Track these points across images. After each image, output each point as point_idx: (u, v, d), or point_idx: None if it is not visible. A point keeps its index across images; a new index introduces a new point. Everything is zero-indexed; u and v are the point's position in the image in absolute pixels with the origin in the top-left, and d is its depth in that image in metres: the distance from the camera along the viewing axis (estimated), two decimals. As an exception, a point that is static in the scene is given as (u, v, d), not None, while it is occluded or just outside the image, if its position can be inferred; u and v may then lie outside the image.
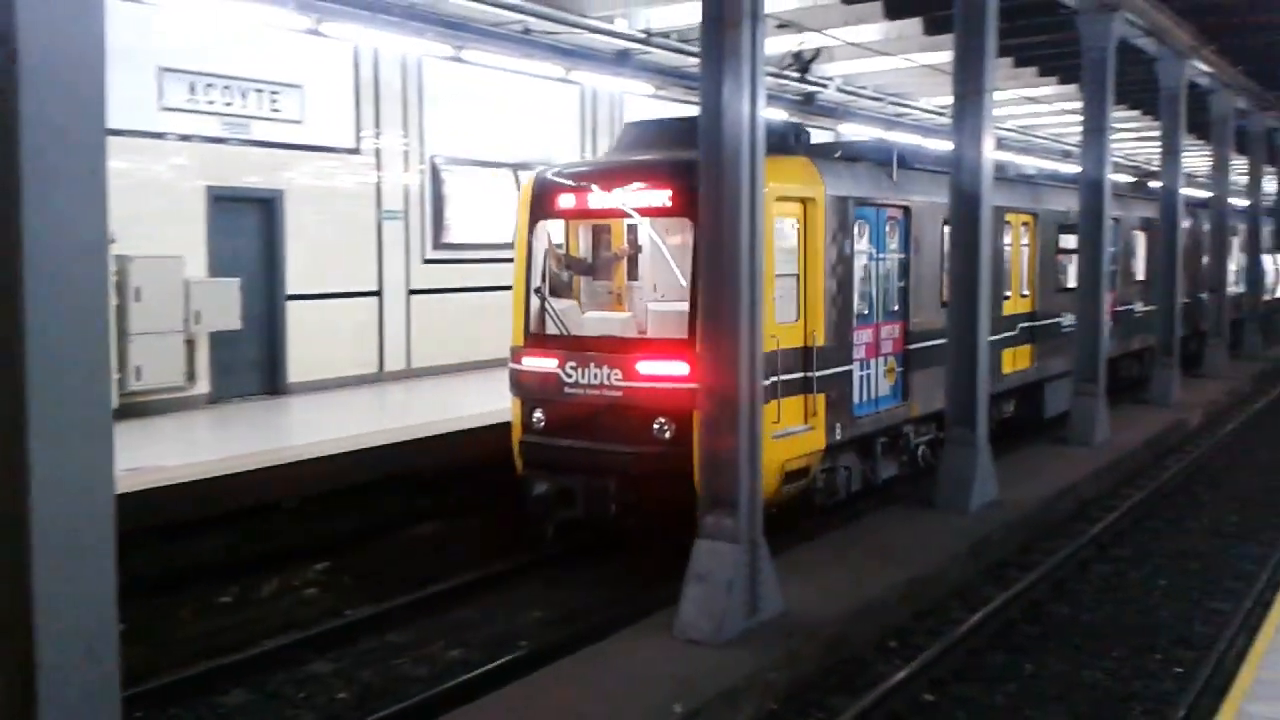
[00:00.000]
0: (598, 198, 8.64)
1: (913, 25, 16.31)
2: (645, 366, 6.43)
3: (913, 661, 6.56)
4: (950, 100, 9.68)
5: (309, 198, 12.96)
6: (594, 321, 8.97)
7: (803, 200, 8.62)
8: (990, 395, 10.47)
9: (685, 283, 8.38)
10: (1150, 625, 7.57)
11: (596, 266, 9.75)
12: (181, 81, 11.59)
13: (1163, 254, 15.87)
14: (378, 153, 13.94)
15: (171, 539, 8.55)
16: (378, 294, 14.06)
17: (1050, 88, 21.83)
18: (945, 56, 14.22)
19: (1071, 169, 19.74)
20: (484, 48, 14.18)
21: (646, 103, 18.00)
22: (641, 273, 9.67)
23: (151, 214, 11.00)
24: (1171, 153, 15.65)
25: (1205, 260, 20.01)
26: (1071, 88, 20.90)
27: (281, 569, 8.83)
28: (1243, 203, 24.74)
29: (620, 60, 16.38)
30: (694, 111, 6.70)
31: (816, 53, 15.65)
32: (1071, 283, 13.22)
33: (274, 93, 12.49)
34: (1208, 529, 10.00)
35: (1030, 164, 21.94)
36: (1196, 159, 31.60)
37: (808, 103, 21.37)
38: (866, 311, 9.43)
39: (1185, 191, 18.05)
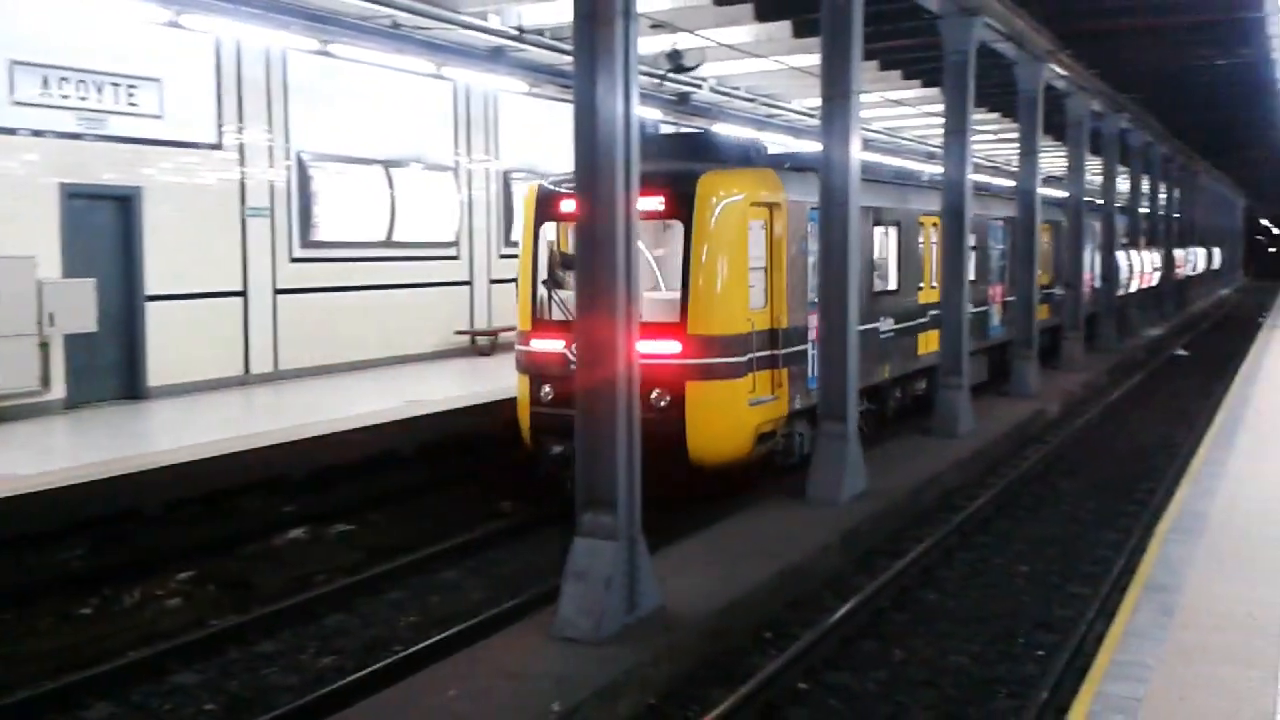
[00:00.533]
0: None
1: (782, 28, 16.59)
2: (643, 346, 6.81)
3: (787, 651, 6.67)
4: (819, 102, 9.85)
5: (169, 195, 12.53)
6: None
7: (769, 205, 10.00)
8: (910, 373, 13.21)
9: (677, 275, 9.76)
10: (1013, 610, 7.84)
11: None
12: (34, 75, 11.11)
13: (1021, 250, 16.47)
14: (241, 148, 13.55)
15: (27, 549, 8.20)
16: (242, 294, 13.67)
17: (914, 90, 22.47)
18: (814, 59, 14.50)
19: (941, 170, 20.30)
20: (352, 42, 13.93)
21: (521, 100, 17.93)
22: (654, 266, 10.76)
23: (1, 213, 10.52)
24: (1029, 154, 16.23)
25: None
26: (934, 90, 21.56)
27: (144, 578, 8.51)
28: (1098, 201, 25.87)
29: (494, 57, 16.28)
30: (683, 129, 7.08)
31: (680, 53, 15.79)
32: (972, 275, 14.43)
33: (131, 86, 12.05)
34: (1066, 516, 10.41)
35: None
36: (1056, 159, 32.88)
37: (682, 102, 21.57)
38: (815, 299, 10.41)
39: (1047, 192, 18.87)
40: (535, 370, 10.05)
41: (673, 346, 9.25)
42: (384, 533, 10.12)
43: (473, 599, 8.39)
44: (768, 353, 9.85)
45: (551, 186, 10.30)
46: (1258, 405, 12.44)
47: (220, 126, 13.27)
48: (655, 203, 9.30)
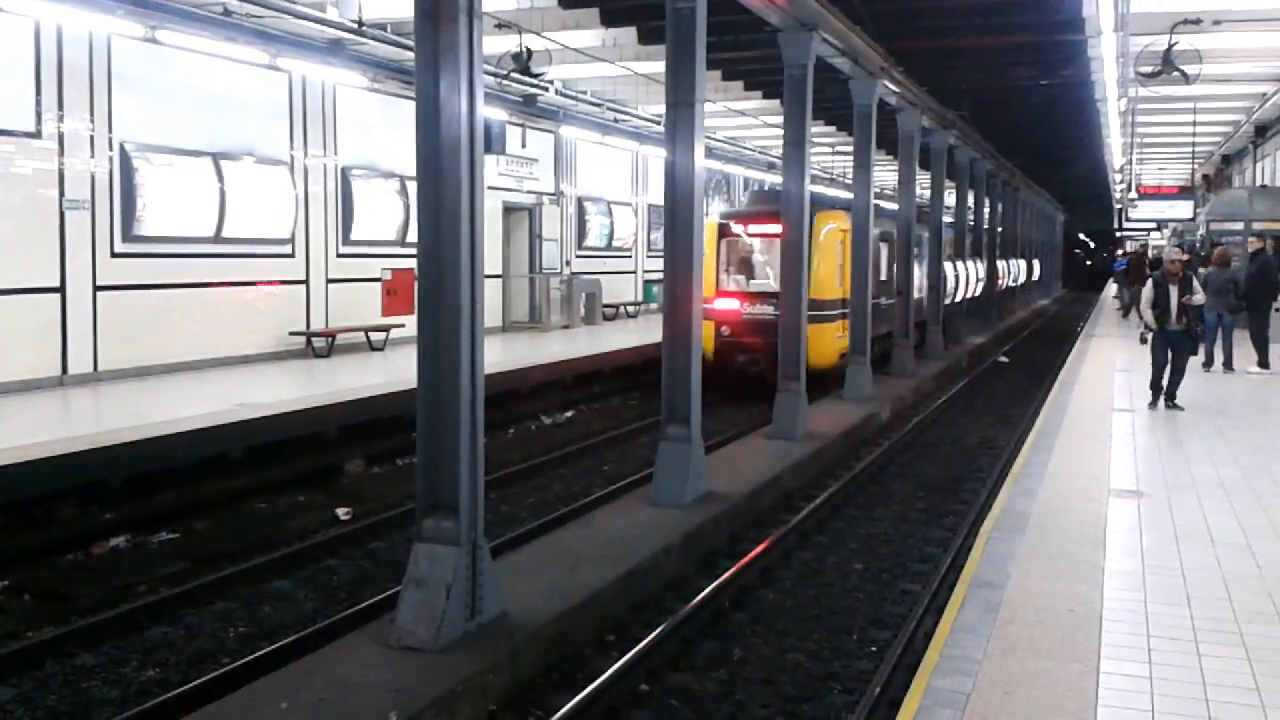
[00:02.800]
0: (744, 228, 17.85)
1: (628, 34, 16.72)
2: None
3: (628, 654, 6.68)
4: (664, 109, 9.92)
5: (-21, 183, 11.78)
6: (754, 285, 17.78)
7: (844, 230, 17.25)
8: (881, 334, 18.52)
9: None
10: (847, 608, 8.05)
11: (748, 261, 18.22)
12: None
13: (855, 260, 16.97)
14: (60, 137, 12.83)
15: None
16: (60, 290, 12.94)
17: (755, 101, 22.95)
18: (659, 66, 14.63)
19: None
20: (181, 29, 13.35)
21: (362, 95, 17.53)
22: (769, 264, 17.60)
23: None
24: (863, 166, 16.72)
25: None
26: (774, 102, 22.07)
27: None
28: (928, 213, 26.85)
29: (333, 50, 15.87)
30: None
31: (530, 52, 15.73)
32: (883, 276, 19.46)
33: (-64, 66, 11.28)
34: (897, 515, 10.75)
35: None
36: (891, 172, 34.02)
37: (528, 104, 21.49)
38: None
39: (881, 204, 19.52)
40: (719, 318, 16.90)
41: None
42: (212, 541, 9.73)
43: (306, 609, 8.14)
44: (841, 311, 17.00)
45: (722, 219, 17.80)
46: (1074, 410, 13.12)
47: (39, 114, 12.54)
48: (774, 228, 15.01)
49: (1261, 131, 27.05)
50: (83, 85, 13.14)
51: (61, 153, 12.86)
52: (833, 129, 27.54)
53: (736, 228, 17.65)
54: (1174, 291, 12.84)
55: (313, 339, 16.64)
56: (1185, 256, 13.68)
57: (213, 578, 8.52)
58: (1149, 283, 13.36)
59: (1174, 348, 12.90)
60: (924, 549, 9.59)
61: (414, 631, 6.13)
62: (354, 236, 17.80)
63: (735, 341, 16.88)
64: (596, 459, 13.48)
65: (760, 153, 33.12)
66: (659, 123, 23.24)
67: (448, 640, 6.12)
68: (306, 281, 16.91)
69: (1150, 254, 31.74)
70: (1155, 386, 13.14)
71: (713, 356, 15.50)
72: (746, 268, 18.09)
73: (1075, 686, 4.98)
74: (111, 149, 13.54)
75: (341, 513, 10.66)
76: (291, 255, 16.59)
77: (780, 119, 14.11)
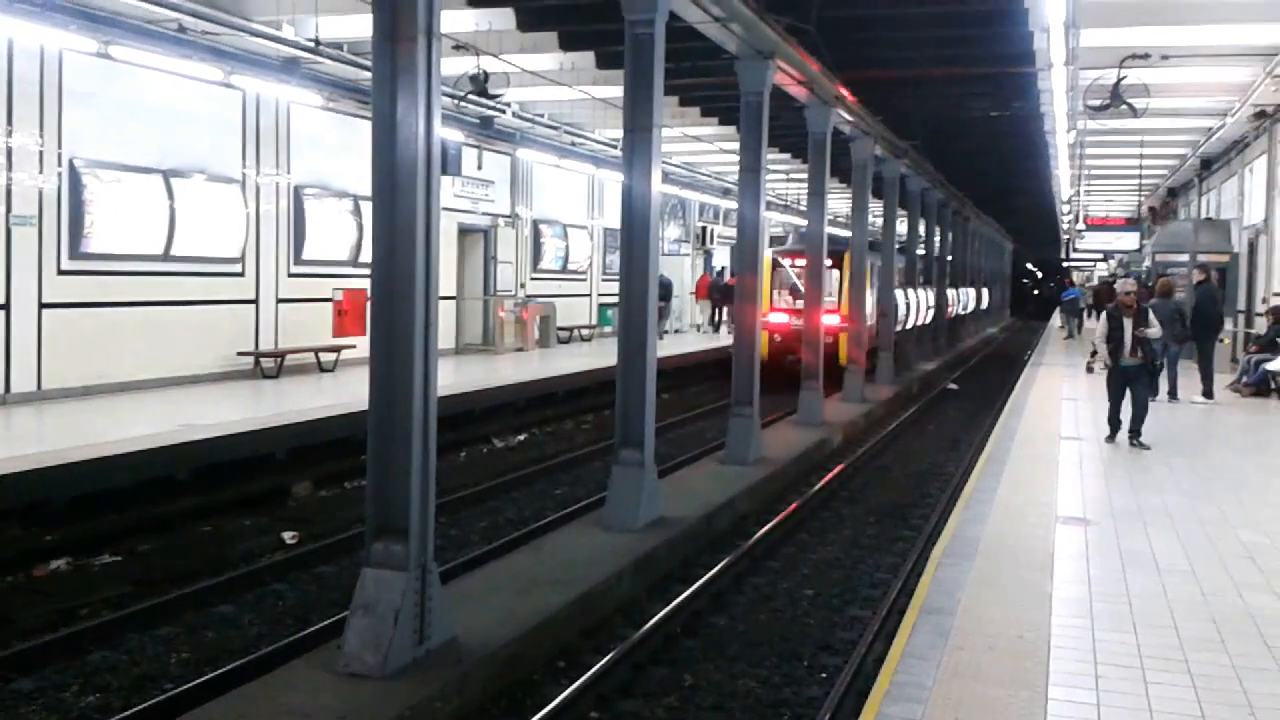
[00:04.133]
0: (790, 261, 22.93)
1: (585, 58, 16.79)
2: (827, 319, 17.44)
3: (579, 680, 6.62)
4: (621, 133, 9.94)
5: (-79, 197, 11.54)
6: (797, 304, 20.96)
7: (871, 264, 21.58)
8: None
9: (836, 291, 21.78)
10: (798, 633, 8.05)
11: (793, 287, 22.35)
12: None
13: (808, 286, 17.08)
14: (9, 152, 12.64)
15: None
16: (4, 307, 12.71)
17: (712, 128, 23.11)
18: (616, 90, 14.69)
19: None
20: (135, 45, 13.20)
21: (317, 114, 17.42)
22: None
23: None
24: (817, 194, 16.84)
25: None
26: (731, 129, 22.23)
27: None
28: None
29: (288, 68, 15.76)
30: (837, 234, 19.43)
31: (487, 75, 15.74)
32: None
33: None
34: (848, 540, 10.79)
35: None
36: (845, 200, 34.33)
37: (485, 126, 21.46)
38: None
39: (835, 231, 19.86)
40: (772, 329, 21.66)
41: (834, 320, 20.48)
42: (156, 564, 9.55)
43: (251, 634, 8.00)
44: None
45: (772, 254, 23.01)
46: (1022, 437, 13.27)
47: (-16, 127, 12.36)
48: (829, 262, 18.66)
49: (1207, 165, 27.69)
50: (32, 100, 12.95)
51: (9, 168, 12.67)
52: (788, 156, 27.80)
53: (784, 261, 23.25)
54: (1128, 324, 12.43)
55: (261, 359, 16.45)
56: (1134, 287, 13.27)
57: (156, 601, 8.35)
58: (1103, 316, 13.01)
59: (1131, 383, 12.51)
60: (875, 575, 9.62)
61: (361, 658, 6.04)
62: (306, 256, 17.65)
63: (783, 345, 21.45)
64: (549, 482, 13.42)
65: (716, 178, 33.32)
66: (616, 147, 23.32)
67: (396, 666, 6.03)
68: (256, 301, 16.73)
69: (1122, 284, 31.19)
70: (1113, 421, 12.79)
71: (767, 358, 18.03)
72: (791, 291, 23.06)
73: (1024, 713, 5.00)
74: (60, 165, 13.35)
75: (288, 536, 10.50)
76: (242, 274, 16.42)
77: (737, 145, 14.21)
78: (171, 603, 8.38)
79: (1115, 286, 15.12)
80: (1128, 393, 12.57)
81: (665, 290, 31.65)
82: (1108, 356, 12.68)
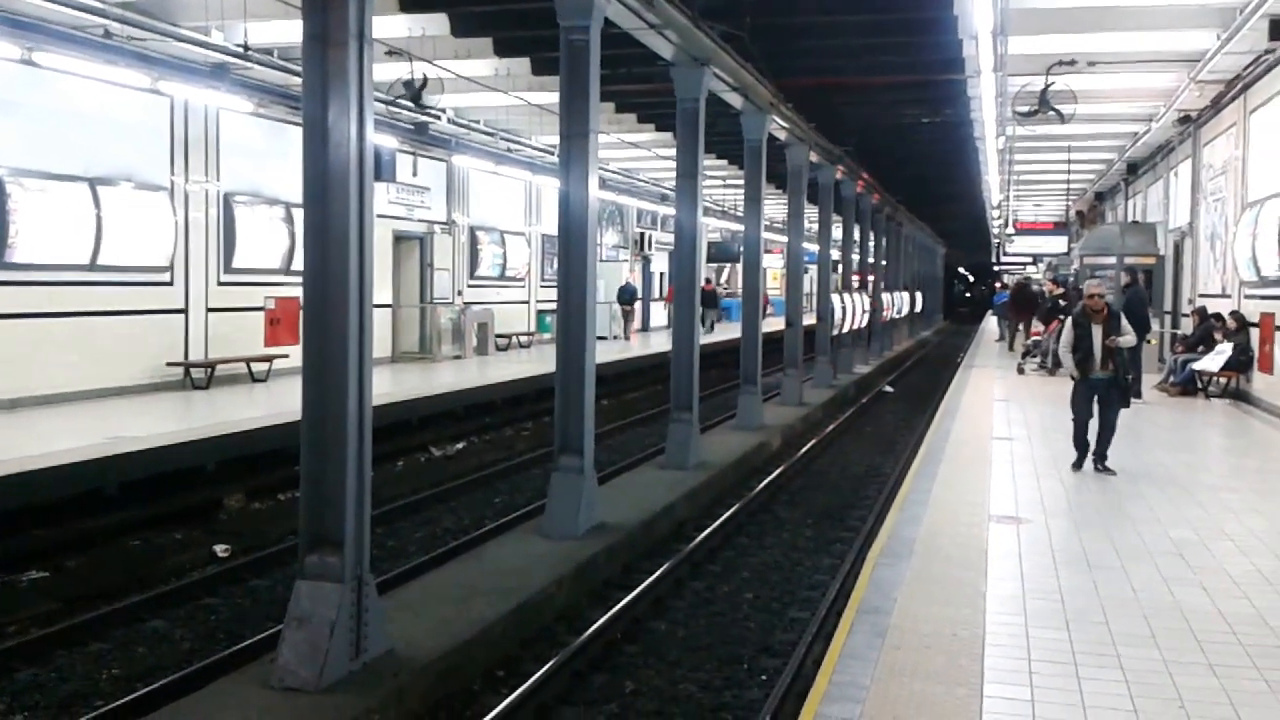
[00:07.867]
0: None
1: (521, 64, 16.71)
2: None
3: (518, 689, 6.58)
4: (558, 140, 9.91)
5: None
6: None
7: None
8: None
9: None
10: (738, 637, 8.07)
11: None
12: None
13: (745, 291, 17.17)
14: (-75, 158, 12.29)
15: None
16: (-77, 318, 12.35)
17: (649, 134, 23.15)
18: (552, 97, 14.65)
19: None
20: (59, 51, 12.91)
21: (247, 120, 17.18)
22: None
23: None
24: (754, 200, 16.95)
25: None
26: (667, 135, 22.29)
27: None
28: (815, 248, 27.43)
29: (217, 74, 15.52)
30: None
31: (425, 80, 15.61)
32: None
33: None
34: (787, 543, 10.85)
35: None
36: (781, 206, 34.58)
37: (420, 132, 21.29)
38: None
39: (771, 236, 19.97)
40: None
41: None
42: (84, 580, 9.33)
43: (183, 649, 7.84)
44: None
45: None
46: (955, 438, 13.44)
47: (-101, 133, 12.00)
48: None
49: (1133, 169, 28.33)
50: (-51, 105, 12.61)
51: (-75, 175, 12.31)
52: (724, 162, 27.94)
53: None
54: (1097, 332, 10.71)
55: (191, 370, 16.15)
56: (1102, 290, 11.21)
57: (85, 618, 8.16)
58: (1068, 323, 11.23)
59: (1101, 399, 10.88)
60: (813, 576, 9.69)
61: (296, 672, 5.94)
62: (236, 264, 17.38)
63: None
64: (488, 491, 13.33)
65: (653, 185, 33.39)
66: (553, 153, 23.26)
67: (331, 680, 5.94)
68: (186, 310, 16.43)
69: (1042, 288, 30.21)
70: (1079, 444, 11.16)
71: None
72: None
73: (961, 710, 5.06)
74: (-21, 172, 13.00)
75: (220, 550, 10.32)
76: (171, 283, 16.12)
77: (673, 152, 14.24)
78: (101, 619, 8.20)
79: (1083, 288, 12.55)
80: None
81: (630, 296, 31.81)
82: (1074, 369, 10.93)
